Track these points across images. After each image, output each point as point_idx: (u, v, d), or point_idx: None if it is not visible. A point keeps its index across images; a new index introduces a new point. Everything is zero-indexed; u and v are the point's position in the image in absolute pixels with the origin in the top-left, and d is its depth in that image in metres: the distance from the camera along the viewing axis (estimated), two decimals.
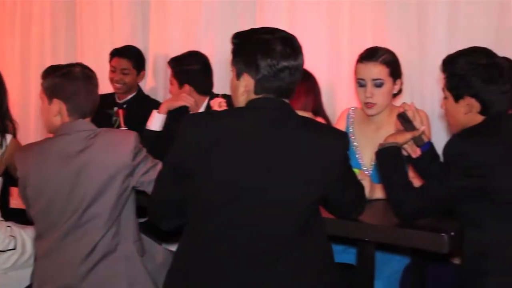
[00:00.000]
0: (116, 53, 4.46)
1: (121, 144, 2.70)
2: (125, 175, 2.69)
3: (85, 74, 2.78)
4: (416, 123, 2.67)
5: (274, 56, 2.20)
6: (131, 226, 2.77)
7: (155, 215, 2.43)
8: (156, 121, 3.80)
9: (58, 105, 2.74)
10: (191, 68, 3.97)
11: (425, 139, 2.70)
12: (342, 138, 2.29)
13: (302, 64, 2.29)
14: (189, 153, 2.20)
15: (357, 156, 3.21)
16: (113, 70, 4.44)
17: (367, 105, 3.11)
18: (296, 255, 2.18)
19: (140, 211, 2.86)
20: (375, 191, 2.84)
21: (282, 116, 2.22)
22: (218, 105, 3.33)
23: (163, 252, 2.95)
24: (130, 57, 4.45)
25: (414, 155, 2.69)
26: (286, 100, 2.28)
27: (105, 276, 2.69)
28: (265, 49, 2.22)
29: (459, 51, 2.57)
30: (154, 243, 2.97)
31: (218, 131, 2.19)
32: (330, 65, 4.03)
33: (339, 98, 4.00)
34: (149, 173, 2.72)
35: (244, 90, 2.27)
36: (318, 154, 2.19)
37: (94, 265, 2.67)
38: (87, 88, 2.76)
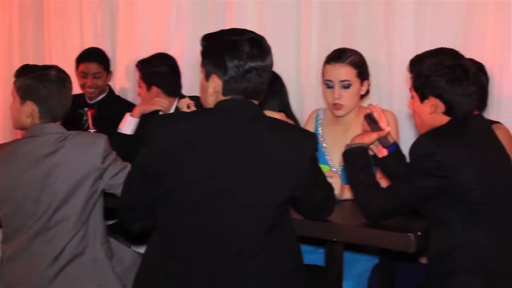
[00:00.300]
0: (85, 58, 4.36)
1: (90, 147, 2.70)
2: (95, 178, 2.70)
3: (60, 78, 2.77)
4: (382, 124, 2.70)
5: (241, 57, 2.21)
6: (99, 228, 2.77)
7: (124, 217, 2.43)
8: (128, 125, 3.76)
9: (30, 107, 2.72)
10: (158, 70, 3.94)
11: (391, 140, 2.72)
12: (310, 139, 2.30)
13: (270, 65, 2.29)
14: (158, 154, 2.19)
15: (326, 157, 3.22)
16: (84, 76, 4.32)
17: (335, 106, 3.13)
18: (265, 255, 2.19)
19: (108, 213, 2.85)
20: (344, 192, 2.84)
21: (250, 117, 2.23)
22: (187, 106, 3.32)
23: (132, 254, 2.94)
24: (99, 60, 4.38)
25: (380, 155, 2.72)
26: (255, 101, 2.28)
27: (74, 279, 2.68)
28: (233, 50, 2.22)
29: (427, 51, 2.59)
30: (122, 246, 2.96)
31: (186, 133, 2.19)
32: (299, 66, 4.05)
33: (307, 99, 4.01)
34: (118, 175, 2.73)
35: (213, 91, 2.27)
36: (287, 155, 2.19)
37: (62, 268, 2.66)
38: (61, 92, 2.75)
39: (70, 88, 2.83)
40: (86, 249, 2.72)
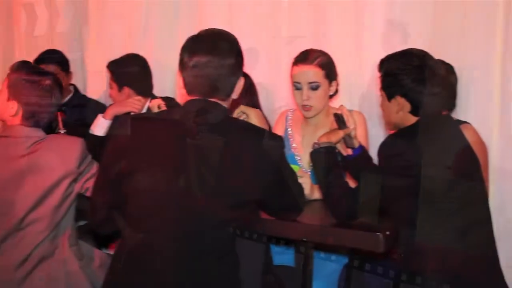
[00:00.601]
0: (42, 61, 4.31)
1: (67, 151, 2.70)
2: (70, 181, 2.70)
3: (53, 89, 2.76)
4: (349, 124, 2.73)
5: (189, 51, 2.24)
6: (70, 230, 2.77)
7: (93, 218, 2.43)
8: (100, 126, 3.70)
9: (16, 107, 2.72)
10: (129, 70, 3.92)
11: (356, 144, 2.75)
12: (276, 142, 2.29)
13: (223, 62, 2.24)
14: (119, 156, 2.20)
15: (296, 157, 3.23)
16: None
17: (304, 108, 3.14)
18: (234, 256, 2.20)
19: (78, 215, 2.84)
20: (314, 192, 2.85)
21: (213, 118, 2.22)
22: (158, 107, 3.31)
23: (101, 255, 2.94)
24: (57, 62, 4.35)
25: (345, 153, 2.75)
26: (219, 101, 2.27)
27: (44, 280, 2.67)
28: (187, 45, 2.26)
29: (397, 52, 2.62)
30: (92, 247, 2.96)
31: (148, 135, 2.20)
32: (269, 67, 4.05)
33: (278, 100, 4.01)
34: (93, 178, 2.71)
35: (178, 86, 2.29)
36: (252, 158, 2.19)
37: (32, 269, 2.65)
38: (51, 102, 2.76)
39: (60, 98, 2.83)
40: (56, 251, 2.72)
